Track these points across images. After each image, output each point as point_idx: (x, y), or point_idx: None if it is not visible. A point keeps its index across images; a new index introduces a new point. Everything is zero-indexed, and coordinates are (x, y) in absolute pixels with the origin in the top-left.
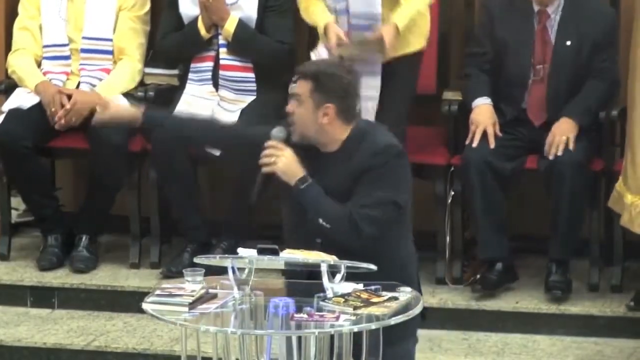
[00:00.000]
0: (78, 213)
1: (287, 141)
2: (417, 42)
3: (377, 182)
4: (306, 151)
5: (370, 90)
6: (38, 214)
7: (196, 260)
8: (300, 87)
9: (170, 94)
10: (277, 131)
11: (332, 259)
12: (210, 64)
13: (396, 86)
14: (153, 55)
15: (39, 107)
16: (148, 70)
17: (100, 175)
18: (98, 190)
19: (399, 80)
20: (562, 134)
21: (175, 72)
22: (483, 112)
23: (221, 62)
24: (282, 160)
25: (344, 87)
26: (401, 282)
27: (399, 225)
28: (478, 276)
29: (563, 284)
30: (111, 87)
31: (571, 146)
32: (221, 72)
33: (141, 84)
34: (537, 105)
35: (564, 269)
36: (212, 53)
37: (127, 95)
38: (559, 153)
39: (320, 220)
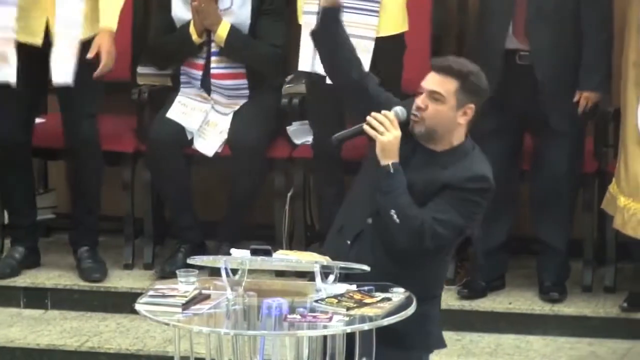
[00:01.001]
0: (72, 227)
1: (401, 124)
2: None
3: (458, 204)
4: (406, 137)
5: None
6: (15, 220)
7: (190, 261)
8: (442, 85)
9: (164, 95)
10: (400, 110)
11: (325, 259)
12: (199, 72)
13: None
14: (145, 56)
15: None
16: (141, 70)
17: (79, 174)
18: (82, 197)
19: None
20: (592, 100)
21: (169, 71)
22: None
23: (212, 70)
24: (389, 137)
25: (485, 88)
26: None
27: (447, 251)
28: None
29: (558, 288)
30: (112, 10)
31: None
32: (212, 80)
33: (134, 84)
34: (521, 27)
35: (559, 279)
36: (202, 61)
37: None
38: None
39: (392, 212)
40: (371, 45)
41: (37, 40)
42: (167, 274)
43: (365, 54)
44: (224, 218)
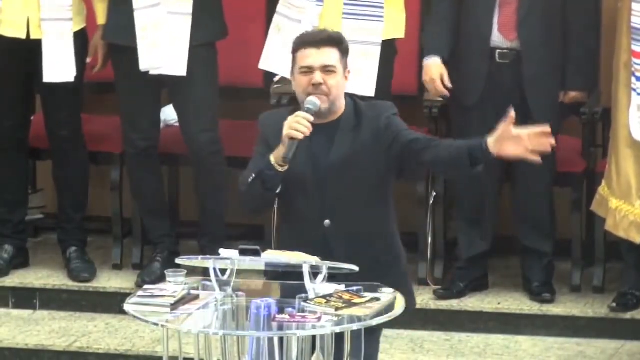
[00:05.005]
0: (58, 228)
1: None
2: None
3: (405, 128)
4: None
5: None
6: (4, 215)
7: (178, 261)
8: (329, 57)
9: None
10: (312, 102)
11: (313, 259)
12: None
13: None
14: None
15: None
16: None
17: (64, 173)
18: (67, 196)
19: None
20: (576, 99)
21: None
22: (430, 70)
23: None
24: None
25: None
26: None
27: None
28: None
29: (548, 288)
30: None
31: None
32: None
33: None
34: (509, 23)
35: (547, 279)
36: None
37: None
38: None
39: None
40: (377, 50)
41: (21, 33)
42: (148, 284)
43: (370, 59)
44: (200, 218)
